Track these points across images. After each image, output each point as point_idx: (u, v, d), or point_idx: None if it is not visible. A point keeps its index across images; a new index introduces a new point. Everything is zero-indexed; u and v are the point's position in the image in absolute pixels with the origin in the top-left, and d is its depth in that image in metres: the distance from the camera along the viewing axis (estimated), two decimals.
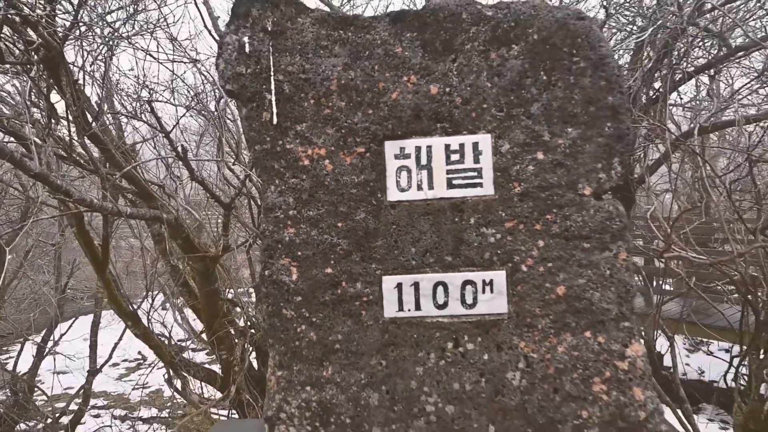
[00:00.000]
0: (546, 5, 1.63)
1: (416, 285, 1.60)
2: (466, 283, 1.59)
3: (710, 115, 3.14)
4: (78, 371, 7.87)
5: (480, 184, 1.60)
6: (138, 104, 5.28)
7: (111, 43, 4.03)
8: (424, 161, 1.62)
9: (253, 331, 5.91)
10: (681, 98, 3.99)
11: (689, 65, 3.27)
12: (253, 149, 1.65)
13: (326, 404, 1.63)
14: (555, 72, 1.59)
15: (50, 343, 7.07)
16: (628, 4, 3.58)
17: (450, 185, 1.61)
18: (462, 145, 1.61)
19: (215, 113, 5.07)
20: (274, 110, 1.63)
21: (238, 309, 6.10)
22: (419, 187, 1.61)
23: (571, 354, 1.54)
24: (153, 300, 6.90)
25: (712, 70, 3.41)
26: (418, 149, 1.62)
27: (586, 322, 1.55)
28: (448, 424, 1.58)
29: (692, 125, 3.29)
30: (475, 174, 1.60)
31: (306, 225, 1.63)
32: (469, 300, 1.59)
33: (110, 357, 7.14)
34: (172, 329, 6.58)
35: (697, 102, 4.11)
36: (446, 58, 1.63)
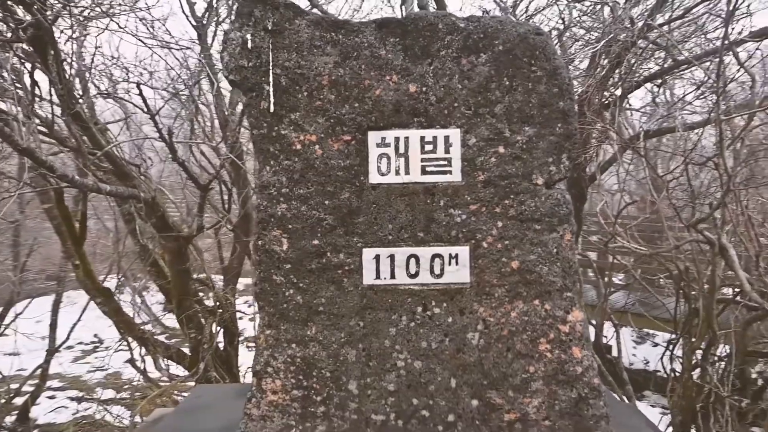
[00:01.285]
0: (510, 20, 1.89)
1: (392, 257, 1.85)
2: (435, 256, 1.84)
3: (655, 121, 3.47)
4: (31, 353, 7.82)
5: (450, 172, 1.85)
6: (114, 85, 5.36)
7: (85, 21, 4.13)
8: (402, 150, 1.86)
9: (221, 311, 6.07)
10: (630, 104, 4.35)
11: (639, 75, 3.60)
12: (252, 133, 1.87)
13: (309, 360, 1.87)
14: (516, 78, 1.86)
15: (5, 324, 7.03)
16: (586, 17, 3.90)
17: (424, 171, 1.86)
18: (435, 138, 1.86)
19: (190, 97, 5.20)
20: (272, 100, 1.84)
21: (207, 289, 6.24)
22: (397, 172, 1.86)
23: (522, 318, 1.82)
24: (122, 278, 6.96)
25: (658, 80, 3.76)
26: (397, 139, 1.86)
27: (535, 292, 1.82)
28: (416, 378, 1.84)
29: (640, 129, 3.62)
30: (446, 163, 1.86)
31: (297, 202, 1.86)
32: (437, 271, 1.84)
33: (68, 337, 7.15)
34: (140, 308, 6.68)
35: (647, 108, 4.48)
36: (424, 62, 1.87)
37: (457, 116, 1.86)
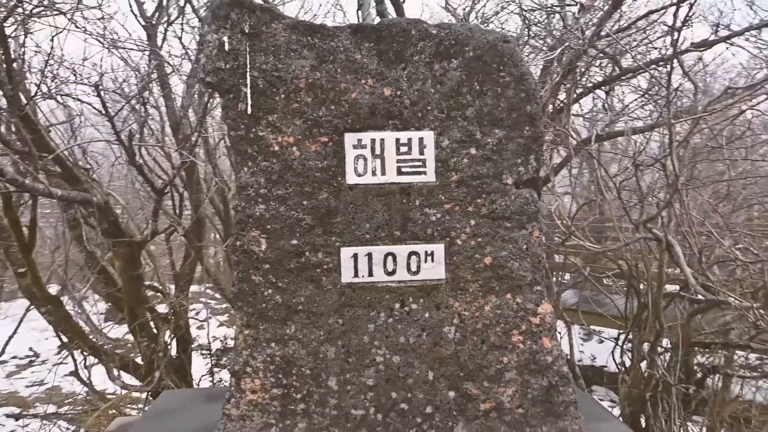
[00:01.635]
0: (480, 28, 1.98)
1: (370, 255, 1.90)
2: (411, 253, 1.90)
3: (604, 126, 3.66)
4: None
5: (424, 172, 1.92)
6: (58, 86, 5.17)
7: (33, 18, 3.99)
8: (377, 151, 1.92)
9: (174, 318, 5.95)
10: (582, 109, 4.56)
11: (588, 81, 3.80)
12: (229, 135, 1.88)
13: (289, 358, 1.89)
14: (486, 83, 1.95)
15: None
16: (540, 26, 4.08)
17: (399, 172, 1.92)
18: (410, 140, 1.93)
19: (141, 100, 5.06)
20: (249, 102, 1.86)
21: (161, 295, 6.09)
22: (373, 173, 1.91)
23: (496, 312, 1.90)
24: (64, 287, 6.69)
25: (607, 87, 3.98)
26: (373, 141, 1.92)
27: (507, 286, 1.91)
28: (394, 372, 1.89)
29: (590, 133, 3.82)
30: (420, 164, 1.92)
31: (275, 202, 1.88)
32: (413, 268, 1.90)
33: (3, 350, 6.83)
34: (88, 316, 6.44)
35: (594, 114, 4.70)
36: (398, 66, 1.94)
37: (431, 119, 1.93)
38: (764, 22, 3.20)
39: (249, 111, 1.87)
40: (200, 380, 7.24)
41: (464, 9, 4.98)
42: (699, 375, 4.21)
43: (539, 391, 1.89)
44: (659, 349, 3.93)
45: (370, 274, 1.90)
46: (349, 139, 1.91)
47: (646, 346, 4.00)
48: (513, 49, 1.97)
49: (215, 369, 7.95)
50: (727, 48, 3.76)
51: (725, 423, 4.24)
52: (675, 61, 3.12)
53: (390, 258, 1.91)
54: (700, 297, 3.65)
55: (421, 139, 1.93)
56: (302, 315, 1.89)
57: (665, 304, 3.75)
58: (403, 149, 1.92)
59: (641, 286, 3.93)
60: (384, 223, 1.91)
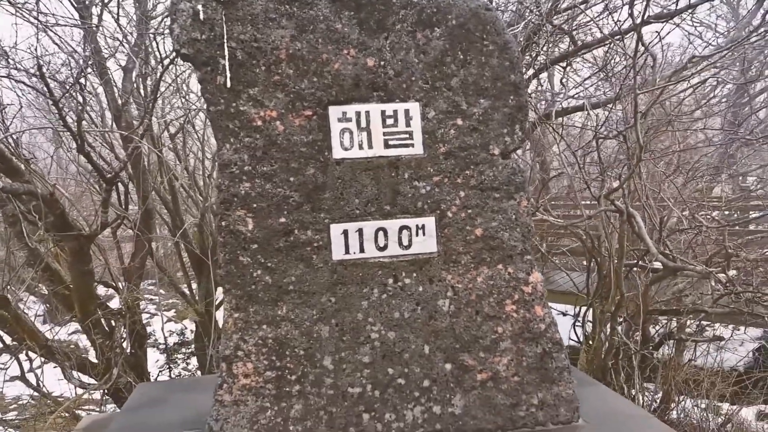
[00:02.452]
0: None
1: (360, 231, 1.86)
2: (402, 228, 1.87)
3: (563, 100, 3.73)
4: None
5: (412, 145, 1.89)
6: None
7: None
8: (363, 124, 1.87)
9: (129, 313, 5.72)
10: (541, 85, 4.64)
11: (547, 57, 3.86)
12: (208, 110, 1.78)
13: (281, 340, 1.83)
14: (470, 52, 1.93)
15: None
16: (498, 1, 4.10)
17: (387, 145, 1.88)
18: (396, 111, 1.88)
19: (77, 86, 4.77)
20: (228, 74, 1.77)
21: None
22: (360, 147, 1.86)
23: (488, 283, 1.90)
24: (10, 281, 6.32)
25: (565, 63, 4.05)
26: (358, 114, 1.87)
27: (498, 257, 1.91)
28: (390, 348, 1.87)
29: (550, 108, 3.88)
30: (407, 136, 1.89)
31: (261, 179, 1.81)
32: (405, 242, 1.88)
33: None
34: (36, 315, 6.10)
35: (549, 90, 4.79)
36: (380, 36, 1.88)
37: (416, 90, 1.90)
38: None
39: (228, 84, 1.77)
40: (157, 376, 7.01)
41: None
42: (655, 342, 4.40)
43: (534, 359, 1.91)
44: (619, 318, 4.07)
45: (362, 250, 1.86)
46: (334, 112, 1.85)
47: (607, 316, 4.14)
48: (495, 16, 1.96)
49: (171, 365, 7.72)
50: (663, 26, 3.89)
51: (678, 387, 4.45)
52: (635, 33, 3.20)
53: (381, 233, 1.87)
54: (657, 266, 3.80)
55: (406, 111, 1.89)
56: (293, 295, 1.83)
57: (625, 274, 3.88)
58: (389, 121, 1.88)
59: (600, 260, 4.05)
60: (373, 197, 1.86)
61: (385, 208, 1.87)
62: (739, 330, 5.65)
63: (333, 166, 1.84)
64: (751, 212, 5.83)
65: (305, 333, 1.84)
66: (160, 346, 7.71)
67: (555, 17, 3.96)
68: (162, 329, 7.06)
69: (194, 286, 7.44)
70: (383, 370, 1.86)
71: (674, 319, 4.42)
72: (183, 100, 6.11)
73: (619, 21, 3.60)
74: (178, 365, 7.71)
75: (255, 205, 1.80)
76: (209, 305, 6.66)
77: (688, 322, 4.41)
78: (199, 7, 1.74)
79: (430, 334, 1.88)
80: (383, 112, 1.88)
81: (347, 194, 1.85)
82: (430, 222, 1.88)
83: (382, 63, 1.88)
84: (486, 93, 1.93)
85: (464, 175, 1.91)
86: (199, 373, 7.17)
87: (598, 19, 3.68)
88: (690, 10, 3.44)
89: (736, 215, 5.86)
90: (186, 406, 2.21)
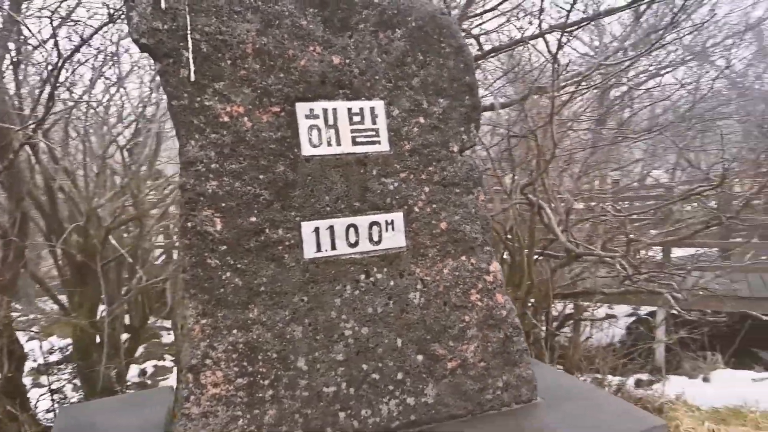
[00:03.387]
0: (422, 1, 2.02)
1: (331, 228, 1.85)
2: (372, 224, 1.89)
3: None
4: None
5: (378, 142, 1.91)
6: None
7: None
8: (331, 121, 1.86)
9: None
10: None
11: None
12: (170, 104, 1.68)
13: (253, 344, 1.77)
14: (429, 54, 1.99)
15: None
16: None
17: (354, 142, 1.89)
18: (362, 109, 1.90)
19: None
20: (192, 68, 1.68)
21: None
22: (329, 144, 1.85)
23: (454, 274, 1.98)
24: None
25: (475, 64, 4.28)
26: (325, 111, 1.86)
27: (462, 249, 2.00)
28: (364, 344, 1.88)
29: None
30: (374, 133, 1.91)
31: (229, 177, 1.73)
32: (375, 238, 1.90)
33: None
34: None
35: None
36: (344, 34, 1.89)
37: (380, 88, 1.93)
38: (609, 9, 3.70)
39: (192, 78, 1.69)
40: (38, 400, 6.34)
41: None
42: (558, 323, 4.78)
43: (497, 344, 2.02)
44: (529, 303, 4.38)
45: (333, 248, 1.85)
46: (301, 108, 1.83)
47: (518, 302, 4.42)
48: (450, 20, 2.05)
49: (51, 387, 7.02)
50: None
51: (577, 365, 4.88)
52: (536, 40, 3.47)
53: (352, 229, 1.87)
54: (561, 254, 4.14)
55: (372, 109, 1.91)
56: (265, 296, 1.78)
57: (534, 261, 4.18)
58: (356, 119, 1.89)
59: (512, 249, 4.33)
60: (343, 194, 1.87)
61: (355, 205, 1.88)
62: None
63: (302, 163, 1.82)
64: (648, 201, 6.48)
65: (278, 335, 1.80)
66: (40, 367, 6.97)
67: (463, 22, 4.17)
68: (40, 348, 6.42)
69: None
70: (358, 366, 1.87)
71: (573, 302, 4.83)
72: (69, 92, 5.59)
73: (524, 29, 3.88)
74: (61, 386, 7.01)
75: (224, 204, 1.73)
76: (94, 316, 6.17)
77: (585, 304, 4.84)
78: None
79: (402, 327, 1.92)
80: (350, 110, 1.89)
81: (317, 191, 1.84)
82: (398, 217, 1.92)
83: (347, 61, 1.89)
84: (444, 93, 2.01)
85: (428, 171, 1.97)
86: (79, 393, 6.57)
87: (503, 26, 3.95)
88: (591, 22, 3.80)
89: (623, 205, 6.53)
90: (122, 426, 2.06)
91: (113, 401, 2.49)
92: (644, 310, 9.06)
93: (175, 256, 7.69)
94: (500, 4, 3.89)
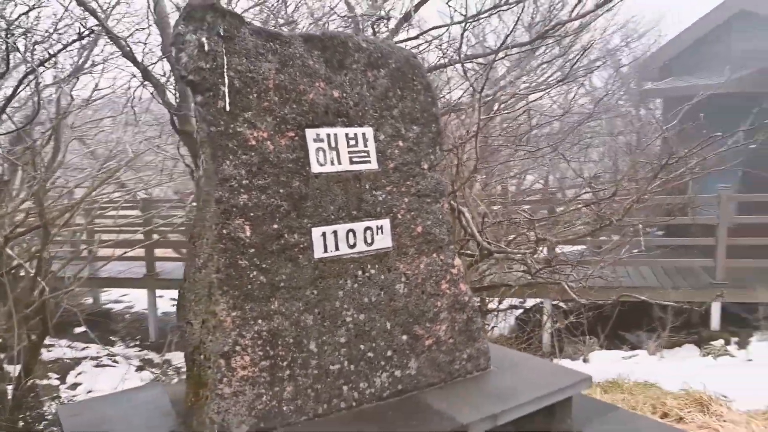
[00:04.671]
0: (398, 46, 2.48)
1: (335, 233, 2.24)
2: (366, 228, 2.31)
3: None
4: None
5: (369, 161, 2.34)
6: None
7: None
8: (333, 144, 2.26)
9: None
10: None
11: None
12: (209, 130, 1.99)
13: (274, 331, 2.12)
14: (405, 90, 2.45)
15: None
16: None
17: (351, 162, 2.29)
18: (356, 134, 2.31)
19: None
20: (227, 100, 2.01)
21: None
22: (332, 163, 2.25)
23: (428, 268, 2.45)
24: None
25: None
26: (328, 136, 2.25)
27: (433, 248, 2.47)
28: (361, 328, 2.28)
29: None
30: (366, 154, 2.33)
31: (256, 191, 2.07)
32: (369, 240, 2.31)
33: None
34: None
35: None
36: (341, 72, 2.30)
37: (369, 117, 2.35)
38: (516, 43, 4.37)
39: (228, 108, 2.01)
40: None
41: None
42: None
43: (462, 324, 2.52)
44: None
45: (337, 249, 2.24)
46: (310, 134, 2.21)
47: None
48: (420, 63, 2.52)
49: None
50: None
51: None
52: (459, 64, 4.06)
53: (351, 233, 2.28)
54: (475, 252, 4.77)
55: (364, 134, 2.33)
56: (283, 291, 2.13)
57: None
58: (352, 142, 2.30)
59: None
60: (344, 204, 2.26)
61: (353, 213, 2.28)
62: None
63: (312, 179, 2.20)
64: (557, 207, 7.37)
65: (294, 323, 2.15)
66: None
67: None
68: None
69: None
70: (357, 347, 2.27)
71: (480, 295, 5.50)
72: None
73: (445, 56, 4.47)
74: None
75: (252, 214, 2.06)
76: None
77: (492, 296, 5.53)
78: (204, 39, 1.94)
79: (390, 313, 2.35)
80: (347, 135, 2.29)
81: (324, 202, 2.22)
82: (386, 223, 2.35)
83: (344, 95, 2.29)
84: (417, 121, 2.48)
85: (406, 185, 2.43)
86: None
87: (425, 52, 4.52)
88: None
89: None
90: (135, 415, 2.30)
91: (110, 399, 2.64)
92: (530, 302, 10.16)
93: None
94: (423, 33, 4.44)
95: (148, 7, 4.77)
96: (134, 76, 5.15)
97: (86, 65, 5.57)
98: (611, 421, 2.62)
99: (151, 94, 4.59)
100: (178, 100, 4.86)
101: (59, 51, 4.21)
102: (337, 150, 2.26)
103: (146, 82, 4.82)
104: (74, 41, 4.04)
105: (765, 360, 7.42)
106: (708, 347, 8.44)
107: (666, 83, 11.59)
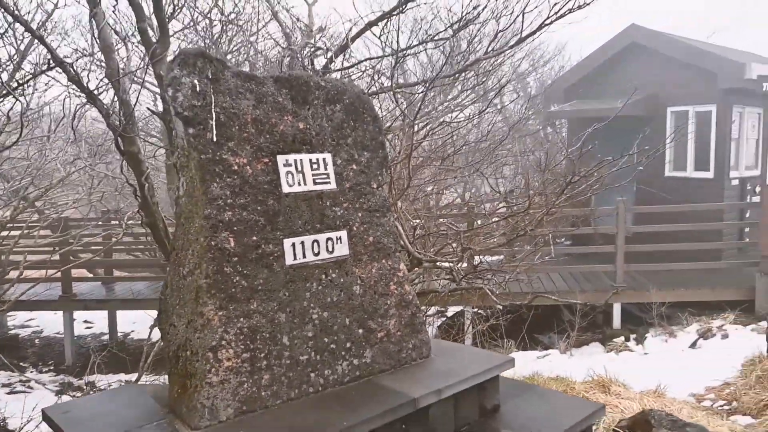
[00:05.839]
0: (351, 83, 2.93)
1: (303, 243, 2.64)
2: (328, 239, 2.73)
3: None
4: None
5: (329, 182, 2.76)
6: None
7: None
8: (299, 168, 2.67)
9: None
10: None
11: None
12: (200, 158, 2.35)
13: (253, 328, 2.48)
14: (357, 121, 2.91)
15: None
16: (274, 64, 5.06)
17: (315, 183, 2.71)
18: (318, 160, 2.74)
19: None
20: (214, 132, 2.38)
21: None
22: (299, 184, 2.66)
23: (379, 272, 2.89)
24: None
25: None
26: (296, 161, 2.66)
27: (382, 255, 2.93)
28: (325, 323, 2.69)
29: None
30: (326, 176, 2.76)
31: (239, 209, 2.44)
32: (330, 249, 2.73)
33: None
34: None
35: None
36: (305, 107, 2.72)
37: (328, 145, 2.79)
38: (442, 74, 4.96)
39: (215, 139, 2.38)
40: None
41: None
42: None
43: (407, 318, 2.98)
44: None
45: (304, 257, 2.65)
46: (281, 159, 2.61)
47: None
48: (368, 98, 2.99)
49: None
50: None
51: None
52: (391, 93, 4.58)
53: (315, 243, 2.69)
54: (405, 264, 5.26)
55: (324, 159, 2.76)
56: (261, 293, 2.51)
57: None
58: (315, 166, 2.72)
59: None
60: (309, 219, 2.67)
61: (317, 226, 2.70)
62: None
63: (284, 197, 2.59)
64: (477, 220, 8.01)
65: (269, 320, 2.53)
66: None
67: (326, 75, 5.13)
68: None
69: None
70: (321, 340, 2.67)
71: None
72: None
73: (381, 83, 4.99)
74: None
75: (235, 228, 2.43)
76: None
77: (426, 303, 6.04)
78: (196, 81, 2.31)
79: (349, 311, 2.77)
80: (311, 160, 2.71)
81: (293, 217, 2.62)
82: (344, 235, 2.79)
83: (308, 126, 2.72)
84: (368, 148, 2.94)
85: (360, 202, 2.87)
86: None
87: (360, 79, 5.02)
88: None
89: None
90: (124, 409, 2.59)
91: (92, 399, 2.87)
92: (452, 311, 10.86)
93: None
94: (359, 63, 4.94)
95: (92, 35, 4.95)
96: (71, 91, 5.28)
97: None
98: (530, 396, 3.17)
99: (98, 117, 4.76)
100: (122, 123, 5.06)
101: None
102: (303, 173, 2.67)
103: (90, 105, 4.98)
104: (36, 75, 4.18)
105: (657, 351, 8.44)
106: (611, 344, 9.43)
107: (570, 105, 12.79)
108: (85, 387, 10.11)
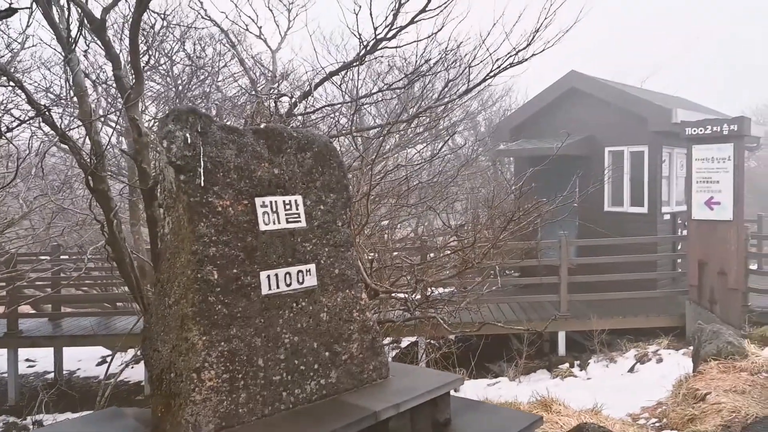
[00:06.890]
0: (320, 134, 3.33)
1: (277, 275, 2.98)
2: (299, 272, 3.08)
3: None
4: None
5: (300, 221, 3.13)
6: None
7: None
8: (274, 209, 3.03)
9: None
10: None
11: None
12: (189, 201, 2.68)
13: (233, 351, 2.79)
14: (325, 167, 3.30)
15: None
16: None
17: (287, 221, 3.07)
18: (290, 201, 3.11)
19: None
20: (202, 178, 2.72)
21: None
22: (274, 223, 3.01)
23: (344, 301, 3.25)
24: None
25: None
26: (271, 202, 3.02)
27: (346, 285, 3.29)
28: (295, 347, 3.01)
29: None
30: (298, 216, 3.13)
31: (222, 245, 2.77)
32: (300, 280, 3.08)
33: None
34: None
35: None
36: (279, 155, 3.10)
37: (298, 188, 3.16)
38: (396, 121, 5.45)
39: (202, 184, 2.72)
40: None
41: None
42: None
43: (368, 342, 3.33)
44: None
45: (278, 287, 2.98)
46: (258, 201, 2.97)
47: None
48: (334, 146, 3.40)
49: None
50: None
51: None
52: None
53: (287, 275, 3.03)
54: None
55: (296, 201, 3.13)
56: (240, 320, 2.82)
57: None
58: (288, 207, 3.09)
59: None
60: (282, 253, 3.02)
61: (289, 260, 3.05)
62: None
63: (260, 234, 2.94)
64: (429, 254, 8.47)
65: (247, 344, 2.84)
66: None
67: (290, 119, 5.54)
68: None
69: None
70: (292, 361, 3.00)
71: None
72: None
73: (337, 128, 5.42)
74: None
75: (219, 262, 2.76)
76: None
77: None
78: (187, 135, 2.66)
79: (317, 335, 3.11)
80: (284, 202, 3.08)
81: (269, 252, 2.97)
82: (313, 267, 3.14)
83: (281, 172, 3.09)
84: (333, 190, 3.33)
85: (326, 238, 3.24)
86: None
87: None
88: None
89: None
90: (111, 429, 2.82)
91: (75, 422, 3.06)
92: (405, 342, 11.21)
93: None
94: (321, 108, 5.36)
95: (66, 79, 5.22)
96: (34, 131, 5.49)
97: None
98: (479, 411, 3.56)
99: (70, 153, 4.98)
100: (93, 162, 5.30)
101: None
102: (277, 213, 3.03)
103: (62, 145, 5.20)
104: (22, 123, 4.40)
105: (599, 376, 9.00)
106: (557, 370, 9.95)
107: (516, 144, 13.60)
108: (31, 426, 9.86)
